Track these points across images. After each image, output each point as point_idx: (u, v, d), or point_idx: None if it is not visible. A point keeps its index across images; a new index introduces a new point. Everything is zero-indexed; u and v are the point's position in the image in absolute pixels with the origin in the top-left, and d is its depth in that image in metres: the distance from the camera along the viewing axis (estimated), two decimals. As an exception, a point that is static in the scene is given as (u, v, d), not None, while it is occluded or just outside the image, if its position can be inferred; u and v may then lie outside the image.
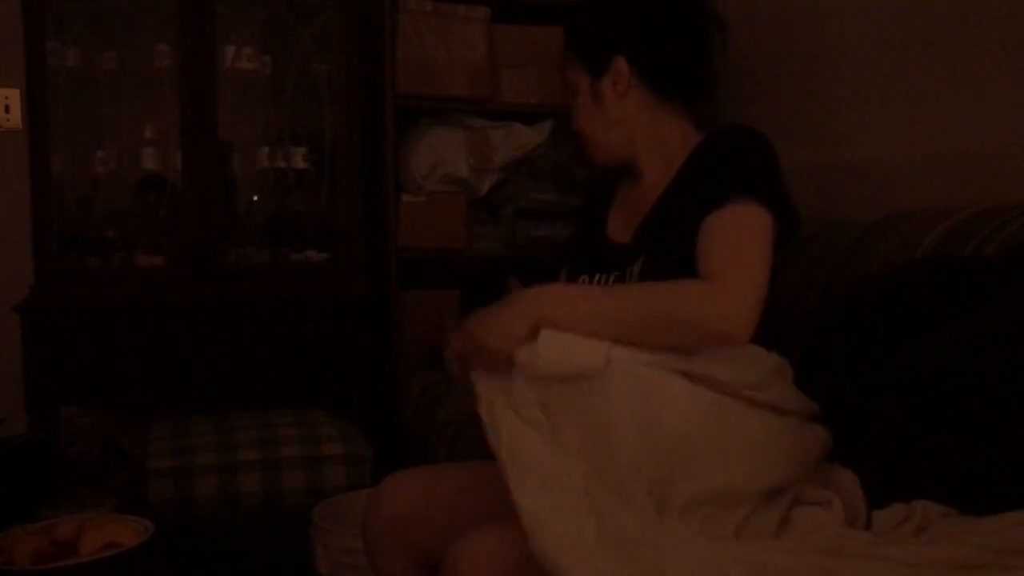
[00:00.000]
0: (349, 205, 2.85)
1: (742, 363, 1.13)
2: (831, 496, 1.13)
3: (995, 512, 1.03)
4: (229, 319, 2.71)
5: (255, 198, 3.01)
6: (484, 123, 2.83)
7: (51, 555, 1.57)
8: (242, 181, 2.97)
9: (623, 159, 1.46)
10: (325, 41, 2.86)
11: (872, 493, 1.15)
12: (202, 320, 2.69)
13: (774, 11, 2.68)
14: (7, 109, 2.79)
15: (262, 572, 2.05)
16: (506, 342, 1.14)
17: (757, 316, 1.14)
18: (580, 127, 1.47)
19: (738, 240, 1.23)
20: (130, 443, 2.24)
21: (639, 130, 1.42)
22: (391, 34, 2.68)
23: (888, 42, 2.19)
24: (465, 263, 2.87)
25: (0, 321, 2.58)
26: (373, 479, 2.21)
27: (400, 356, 2.75)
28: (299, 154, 2.92)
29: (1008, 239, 1.49)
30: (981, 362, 1.12)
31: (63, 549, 1.59)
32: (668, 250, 1.31)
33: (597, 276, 1.39)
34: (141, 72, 2.75)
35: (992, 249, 1.49)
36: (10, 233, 2.73)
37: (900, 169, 2.14)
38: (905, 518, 1.09)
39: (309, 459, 2.16)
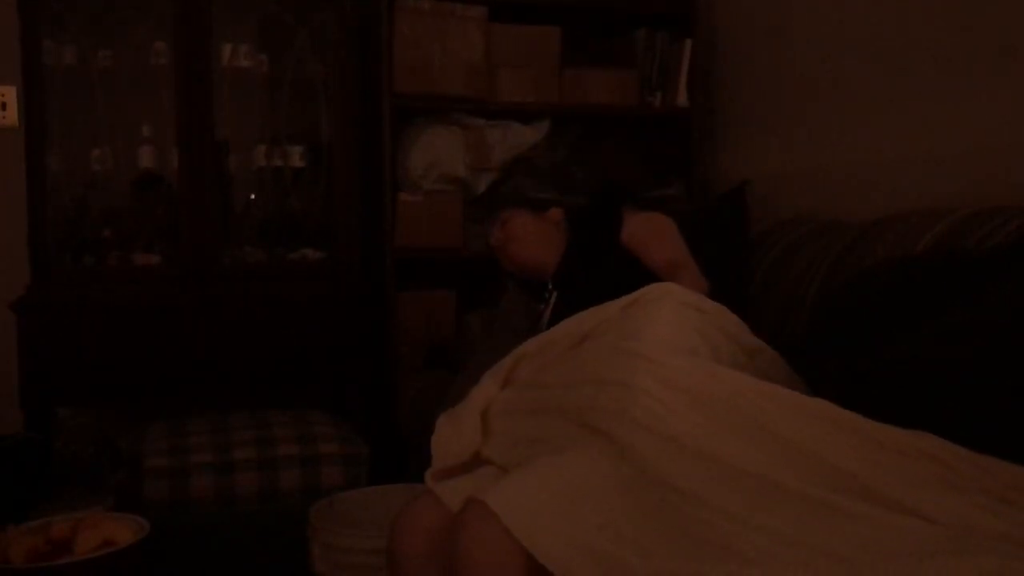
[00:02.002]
0: (346, 204, 2.85)
1: None
2: None
3: None
4: (226, 318, 2.71)
5: (252, 197, 3.00)
6: (481, 122, 2.82)
7: (47, 554, 1.57)
8: (239, 180, 2.96)
9: (539, 265, 2.06)
10: (322, 40, 2.86)
11: None
12: (198, 319, 2.69)
13: (772, 17, 2.69)
14: (3, 107, 2.78)
15: (258, 571, 2.04)
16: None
17: None
18: (519, 251, 2.07)
19: (662, 235, 1.95)
20: (126, 442, 2.23)
21: (556, 242, 2.07)
22: (388, 33, 2.67)
23: (884, 45, 2.19)
24: (461, 262, 2.87)
25: (-4, 320, 2.57)
26: (370, 478, 2.21)
27: (396, 355, 2.75)
28: (296, 153, 2.92)
29: (1004, 240, 1.50)
30: (966, 352, 1.13)
31: (59, 548, 1.59)
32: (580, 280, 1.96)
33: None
34: (137, 70, 2.75)
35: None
36: (6, 231, 2.72)
37: (897, 170, 2.14)
38: None
39: (306, 458, 2.16)
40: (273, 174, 2.94)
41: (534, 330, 1.86)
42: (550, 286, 2.04)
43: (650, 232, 1.97)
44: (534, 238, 2.08)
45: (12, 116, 2.77)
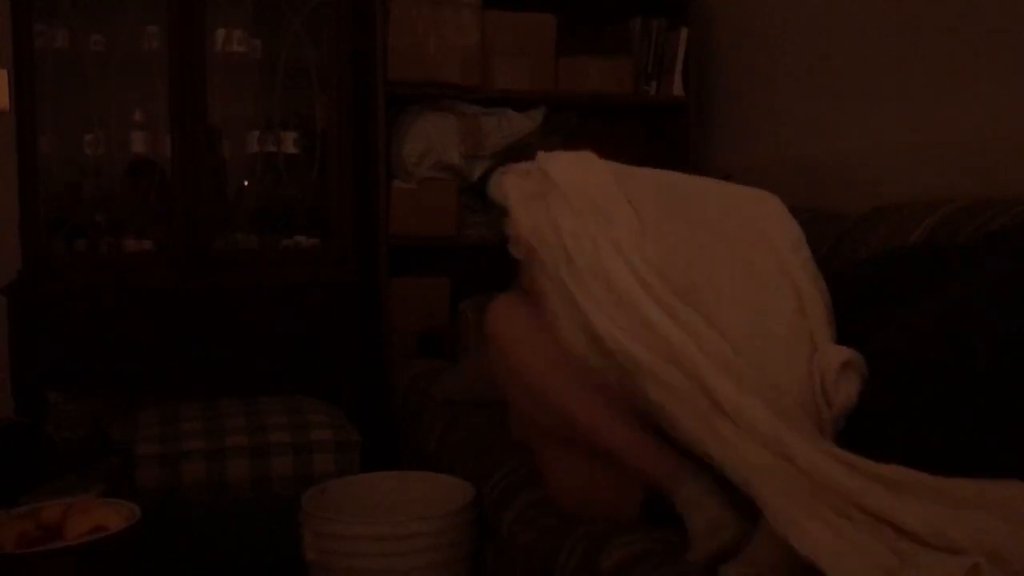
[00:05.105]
0: (339, 191, 2.84)
1: None
2: None
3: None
4: (218, 305, 2.70)
5: (245, 183, 2.99)
6: (476, 110, 2.81)
7: (37, 539, 1.56)
8: (232, 166, 2.95)
9: None
10: (316, 26, 2.84)
11: None
12: (191, 305, 2.68)
13: (767, 6, 2.68)
14: (-6, 91, 2.76)
15: (250, 558, 2.05)
16: None
17: None
18: None
19: None
20: (118, 428, 2.23)
21: None
22: (382, 20, 2.66)
23: (880, 35, 2.19)
24: (455, 250, 2.87)
25: (-13, 305, 2.56)
26: (361, 466, 2.21)
27: (389, 343, 2.75)
28: (289, 139, 2.91)
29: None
30: (926, 346, 1.14)
31: (49, 533, 1.58)
32: None
33: None
34: (130, 54, 2.73)
35: (982, 242, 1.49)
36: (-3, 216, 2.71)
37: (892, 161, 2.14)
38: None
39: (298, 445, 2.16)
40: (266, 160, 2.93)
41: None
42: None
43: None
44: None
45: (3, 100, 2.75)
